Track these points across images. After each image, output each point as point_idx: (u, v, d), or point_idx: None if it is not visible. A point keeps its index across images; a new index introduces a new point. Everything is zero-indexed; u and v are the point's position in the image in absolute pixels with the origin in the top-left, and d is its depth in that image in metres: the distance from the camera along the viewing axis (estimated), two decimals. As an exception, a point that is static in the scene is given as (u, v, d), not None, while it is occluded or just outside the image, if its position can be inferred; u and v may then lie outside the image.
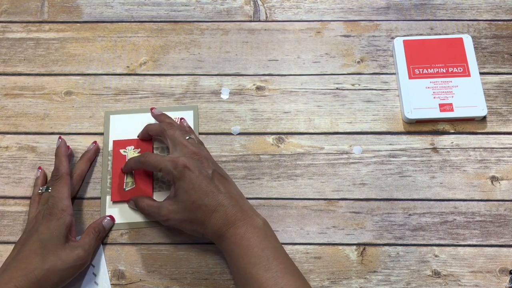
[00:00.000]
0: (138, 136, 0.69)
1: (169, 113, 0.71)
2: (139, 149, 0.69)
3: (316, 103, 0.72)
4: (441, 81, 0.71)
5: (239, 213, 0.57)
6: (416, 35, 0.76)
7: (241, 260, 0.55)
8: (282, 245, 0.58)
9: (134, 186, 0.67)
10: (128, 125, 0.70)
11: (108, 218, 0.65)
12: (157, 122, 0.68)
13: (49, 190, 0.62)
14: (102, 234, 0.63)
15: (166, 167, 0.60)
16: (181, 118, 0.70)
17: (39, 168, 0.67)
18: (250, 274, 0.54)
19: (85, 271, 0.62)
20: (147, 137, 0.69)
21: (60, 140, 0.67)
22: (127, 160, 0.68)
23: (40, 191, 0.64)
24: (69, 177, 0.63)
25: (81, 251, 0.59)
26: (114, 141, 0.69)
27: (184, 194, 0.59)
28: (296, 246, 0.64)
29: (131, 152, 0.69)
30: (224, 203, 0.57)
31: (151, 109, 0.70)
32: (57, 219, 0.59)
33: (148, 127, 0.67)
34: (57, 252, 0.57)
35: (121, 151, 0.69)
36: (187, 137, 0.63)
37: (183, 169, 0.59)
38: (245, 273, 0.54)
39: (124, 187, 0.67)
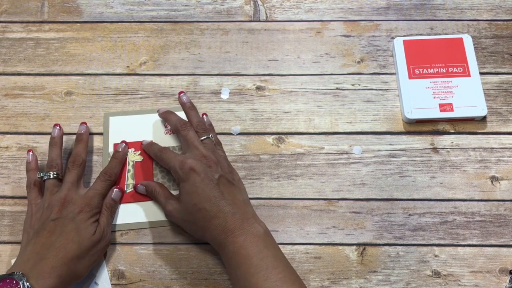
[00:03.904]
0: (159, 113, 0.69)
1: (169, 113, 0.71)
2: (140, 151, 0.69)
3: (316, 103, 0.72)
4: (441, 81, 0.71)
5: (239, 221, 0.57)
6: (416, 35, 0.76)
7: (240, 270, 0.55)
8: (283, 252, 0.58)
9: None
10: (127, 127, 0.70)
11: (116, 189, 0.65)
12: (176, 116, 0.67)
13: (56, 177, 0.63)
14: (115, 208, 0.64)
15: (174, 166, 0.61)
16: (204, 114, 0.69)
17: (30, 151, 0.66)
18: (249, 283, 0.54)
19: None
20: (162, 117, 0.70)
21: (84, 125, 0.68)
22: (127, 161, 0.68)
23: (40, 177, 0.64)
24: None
25: (107, 240, 0.62)
26: (115, 144, 0.69)
27: (186, 196, 0.59)
28: (296, 246, 0.64)
29: (131, 154, 0.69)
30: (225, 210, 0.57)
31: (158, 110, 0.70)
32: (94, 215, 0.61)
33: (167, 117, 0.68)
34: (90, 239, 0.59)
35: (121, 151, 0.69)
36: (203, 138, 0.64)
37: (189, 171, 0.59)
38: (244, 282, 0.54)
39: (125, 189, 0.67)
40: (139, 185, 0.66)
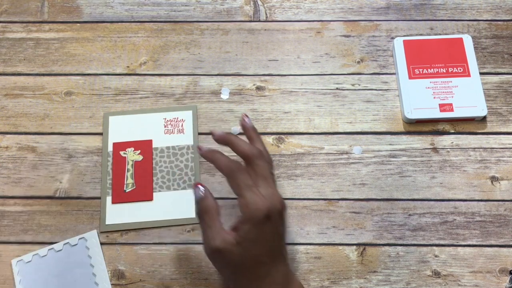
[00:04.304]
0: (200, 151, 0.59)
1: (169, 113, 0.71)
2: (139, 151, 0.69)
3: (316, 103, 0.72)
4: (441, 81, 0.71)
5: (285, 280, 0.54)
6: (416, 35, 0.76)
7: None
8: None
9: (135, 187, 0.67)
10: (127, 126, 0.70)
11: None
12: (242, 140, 0.58)
13: None
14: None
15: (249, 201, 0.52)
16: (245, 115, 0.61)
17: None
18: None
19: (85, 271, 0.62)
20: (221, 142, 0.59)
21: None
22: (127, 160, 0.68)
23: None
24: None
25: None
26: (114, 143, 0.69)
27: (249, 243, 0.52)
28: (296, 246, 0.64)
29: (131, 154, 0.69)
30: (281, 269, 0.54)
31: (200, 148, 0.59)
32: None
33: (233, 141, 0.57)
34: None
35: (121, 153, 0.69)
36: (271, 172, 0.56)
37: (264, 218, 0.52)
38: None
39: (125, 189, 0.67)
40: (198, 187, 0.56)
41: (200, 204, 0.55)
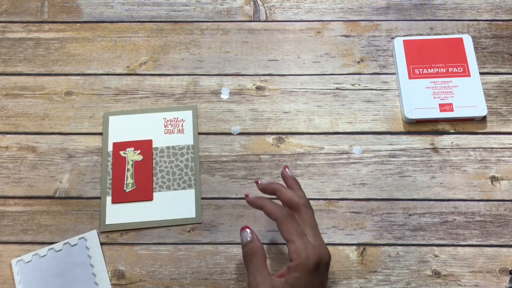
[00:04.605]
0: (249, 200, 0.59)
1: (169, 113, 0.71)
2: (139, 151, 0.69)
3: (316, 103, 0.72)
4: (441, 81, 0.71)
5: None
6: (416, 35, 0.76)
7: None
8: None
9: (135, 187, 0.67)
10: (127, 126, 0.70)
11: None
12: (287, 188, 0.59)
13: None
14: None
15: (301, 248, 0.53)
16: (286, 167, 0.62)
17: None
18: None
19: (85, 271, 0.62)
20: (268, 191, 0.60)
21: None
22: (127, 160, 0.68)
23: None
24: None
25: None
26: (114, 143, 0.69)
27: None
28: (296, 246, 0.64)
29: (131, 154, 0.69)
30: None
31: (248, 198, 0.59)
32: None
33: (280, 189, 0.58)
34: None
35: (121, 152, 0.69)
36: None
37: (314, 266, 0.53)
38: None
39: (125, 189, 0.67)
40: (246, 230, 0.56)
41: (248, 247, 0.55)
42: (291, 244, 0.53)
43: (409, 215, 0.65)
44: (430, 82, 0.71)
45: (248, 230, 0.55)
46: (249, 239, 0.55)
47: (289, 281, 0.52)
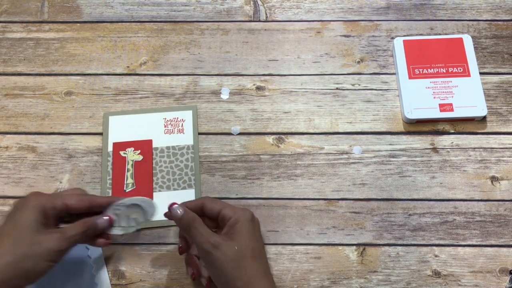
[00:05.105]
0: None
1: (169, 113, 0.71)
2: (139, 151, 0.69)
3: (316, 103, 0.72)
4: (441, 81, 0.71)
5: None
6: (416, 35, 0.76)
7: None
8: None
9: (135, 187, 0.67)
10: (127, 126, 0.70)
11: (106, 218, 0.58)
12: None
13: None
14: (91, 232, 0.57)
15: (233, 207, 0.58)
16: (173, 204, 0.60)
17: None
18: None
19: (85, 271, 0.62)
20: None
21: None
22: (127, 160, 0.68)
23: None
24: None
25: (58, 236, 0.53)
26: (114, 143, 0.69)
27: (245, 236, 0.56)
28: (296, 247, 0.64)
29: (131, 154, 0.69)
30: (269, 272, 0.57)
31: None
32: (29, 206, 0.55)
33: (224, 210, 0.58)
34: (31, 236, 0.52)
35: (121, 152, 0.69)
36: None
37: (251, 215, 0.58)
38: None
39: (125, 189, 0.67)
40: (174, 206, 0.58)
41: (184, 219, 0.57)
42: (224, 209, 0.57)
43: (409, 215, 0.65)
44: (430, 82, 0.71)
45: (176, 205, 0.58)
46: (180, 212, 0.57)
47: (236, 231, 0.56)
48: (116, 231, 0.59)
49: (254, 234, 0.57)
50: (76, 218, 0.57)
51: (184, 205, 0.58)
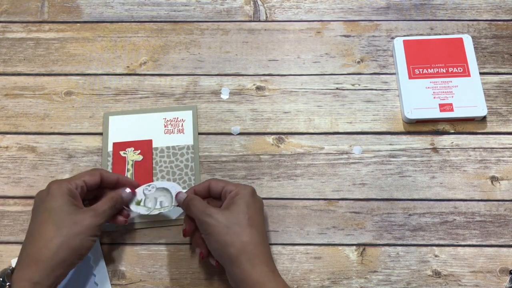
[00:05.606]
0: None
1: (169, 113, 0.71)
2: (139, 151, 0.69)
3: (316, 103, 0.72)
4: (441, 81, 0.71)
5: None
6: (416, 35, 0.76)
7: None
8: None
9: (134, 186, 0.67)
10: (127, 126, 0.70)
11: (129, 190, 0.61)
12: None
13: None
14: (119, 205, 0.60)
15: (236, 184, 0.60)
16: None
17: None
18: None
19: (85, 271, 0.62)
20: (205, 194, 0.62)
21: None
22: (127, 160, 0.68)
23: None
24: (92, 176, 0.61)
25: (93, 213, 0.57)
26: (114, 143, 0.69)
27: (242, 205, 0.57)
28: (296, 247, 0.64)
29: (131, 154, 0.69)
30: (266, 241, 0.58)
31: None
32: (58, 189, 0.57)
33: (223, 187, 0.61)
34: (70, 218, 0.55)
35: (121, 152, 0.69)
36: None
37: (252, 190, 0.59)
38: None
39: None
40: (181, 193, 0.61)
41: (187, 200, 0.60)
42: (227, 185, 0.59)
43: (409, 215, 0.65)
44: (430, 82, 0.71)
45: (181, 193, 0.61)
46: (183, 196, 0.60)
47: (234, 202, 0.57)
48: (141, 210, 0.62)
49: (253, 206, 0.58)
50: (94, 200, 0.60)
51: (193, 188, 0.61)
